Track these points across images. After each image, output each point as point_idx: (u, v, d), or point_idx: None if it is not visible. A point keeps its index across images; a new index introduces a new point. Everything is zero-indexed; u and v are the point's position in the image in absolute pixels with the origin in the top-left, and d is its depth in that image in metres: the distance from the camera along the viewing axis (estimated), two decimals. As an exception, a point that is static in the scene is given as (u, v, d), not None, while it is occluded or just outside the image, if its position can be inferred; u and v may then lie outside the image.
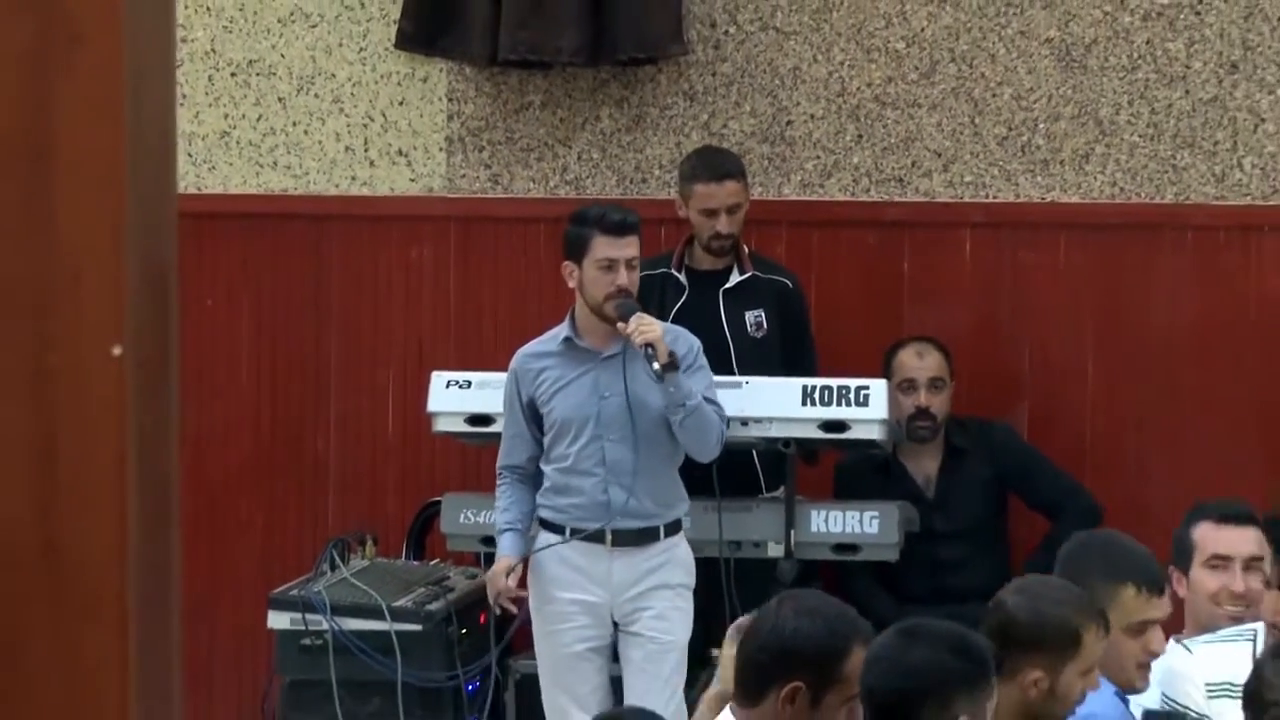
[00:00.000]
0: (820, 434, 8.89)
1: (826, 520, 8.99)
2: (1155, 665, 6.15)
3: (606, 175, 9.80)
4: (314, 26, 9.88)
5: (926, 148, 9.68)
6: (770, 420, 8.66)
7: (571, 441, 8.37)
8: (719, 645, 6.07)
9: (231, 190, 9.91)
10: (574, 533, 8.37)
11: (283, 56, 9.90)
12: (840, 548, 8.97)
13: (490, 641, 8.86)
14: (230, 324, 9.83)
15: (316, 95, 9.90)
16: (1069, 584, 6.00)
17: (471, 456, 9.31)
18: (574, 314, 8.43)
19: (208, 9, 9.89)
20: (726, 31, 9.75)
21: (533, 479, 8.47)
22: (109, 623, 2.75)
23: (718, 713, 5.91)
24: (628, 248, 8.32)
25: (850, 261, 9.69)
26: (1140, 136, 9.61)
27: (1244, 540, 6.79)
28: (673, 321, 8.66)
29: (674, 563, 8.35)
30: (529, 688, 8.96)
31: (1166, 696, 6.31)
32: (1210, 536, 6.89)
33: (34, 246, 2.72)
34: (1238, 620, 6.59)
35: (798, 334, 9.30)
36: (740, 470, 8.77)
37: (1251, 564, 6.71)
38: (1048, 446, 9.46)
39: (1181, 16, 9.56)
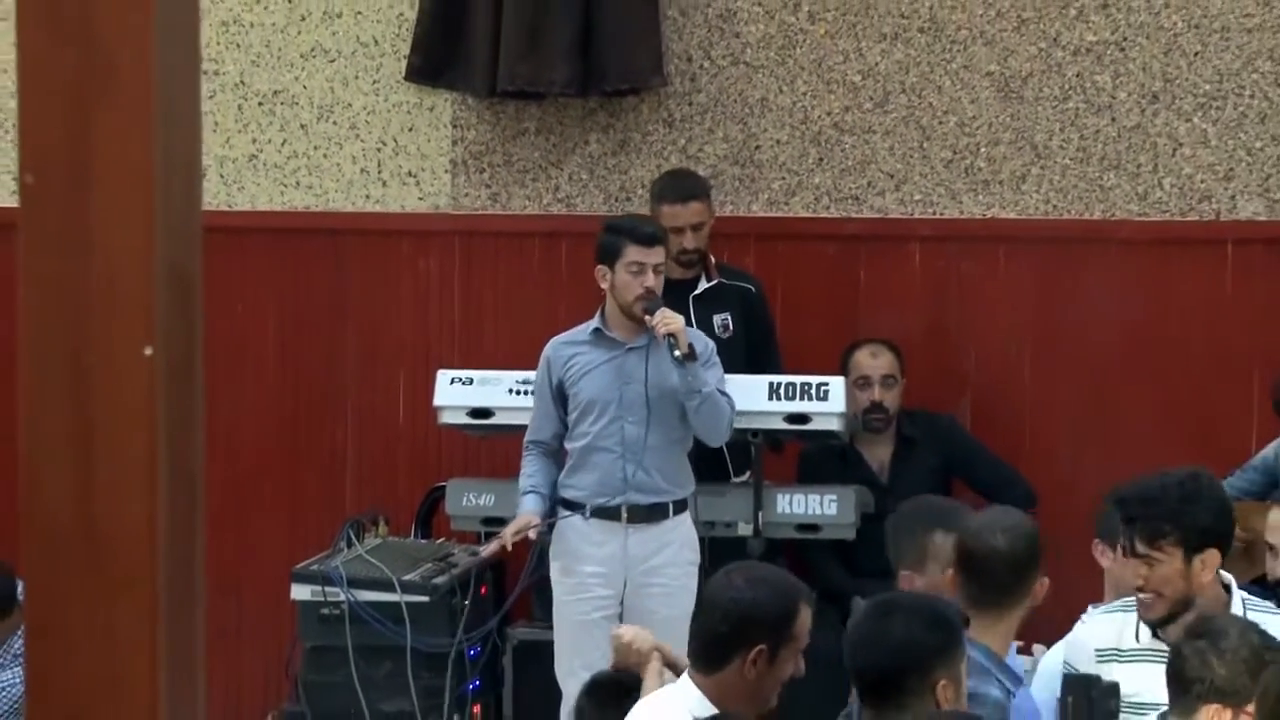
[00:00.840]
0: (785, 425, 8.90)
1: (790, 503, 8.99)
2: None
3: (594, 194, 9.80)
4: (333, 61, 9.87)
5: (880, 169, 9.68)
6: (741, 414, 8.65)
7: (594, 420, 8.40)
8: None
9: (259, 207, 9.91)
10: (592, 510, 8.37)
11: (305, 88, 9.89)
12: (803, 527, 8.97)
13: (490, 611, 8.86)
14: (258, 327, 9.82)
15: (335, 123, 9.89)
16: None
17: (473, 446, 9.31)
18: (604, 311, 8.49)
19: (238, 45, 9.87)
20: (701, 66, 9.74)
21: (555, 455, 8.51)
22: (140, 597, 2.74)
23: (658, 683, 5.91)
24: (655, 255, 8.39)
25: (812, 271, 9.68)
26: (1071, 159, 9.60)
27: None
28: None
29: (683, 540, 8.36)
30: (525, 653, 8.98)
31: (1067, 662, 6.28)
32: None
33: (73, 257, 2.71)
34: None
35: (763, 333, 9.30)
36: (710, 457, 8.76)
37: None
38: (988, 437, 9.46)
39: (1108, 52, 9.56)
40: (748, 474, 9.01)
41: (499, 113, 9.84)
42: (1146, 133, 9.57)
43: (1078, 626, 6.18)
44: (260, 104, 9.91)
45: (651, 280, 8.37)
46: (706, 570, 8.29)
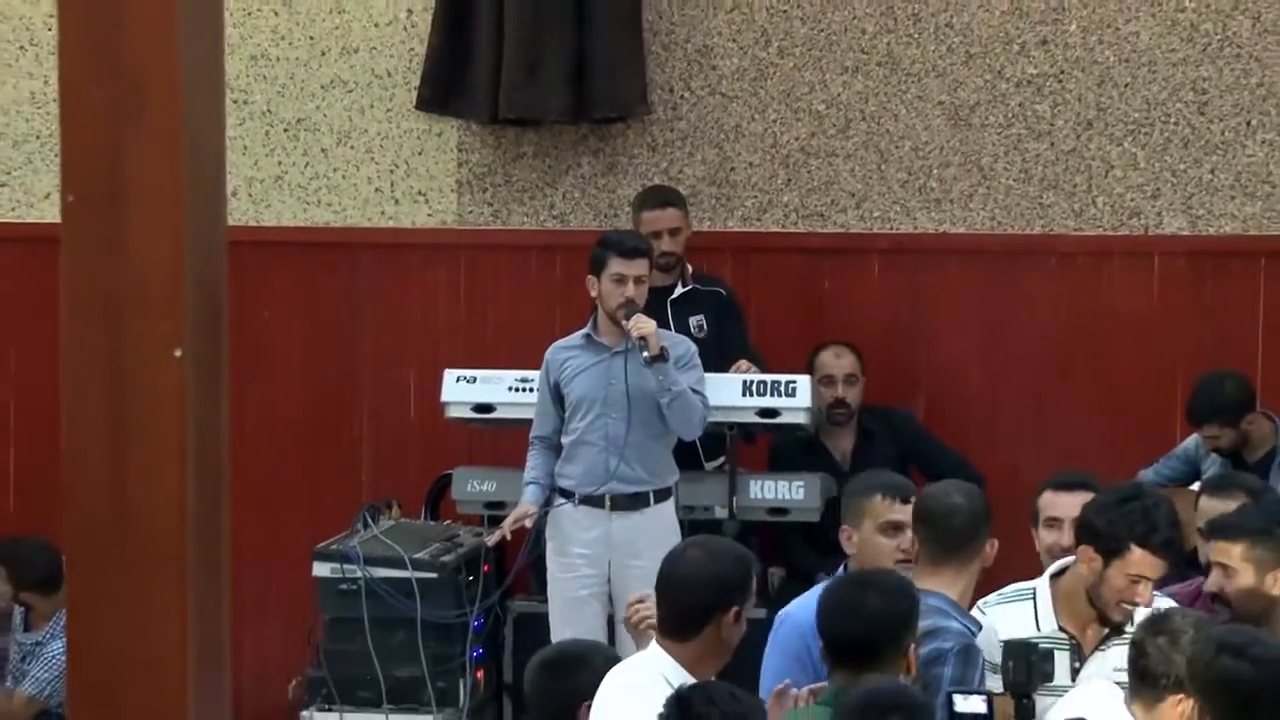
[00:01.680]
0: (757, 419, 8.89)
1: (762, 488, 8.97)
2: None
3: (586, 211, 9.79)
4: (350, 91, 9.86)
5: (842, 189, 9.67)
6: (716, 408, 8.65)
7: (583, 417, 8.41)
8: None
9: (284, 223, 9.89)
10: (581, 498, 8.37)
11: (325, 115, 9.88)
12: (773, 510, 8.96)
13: (493, 587, 8.85)
14: (283, 332, 9.81)
15: (352, 147, 9.88)
16: None
17: (476, 437, 9.29)
18: (594, 318, 8.48)
19: (264, 77, 9.86)
20: (682, 96, 9.73)
21: (555, 449, 8.50)
22: (170, 573, 2.74)
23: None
24: (636, 267, 8.39)
25: (782, 280, 9.67)
26: (1014, 180, 9.60)
27: (1074, 504, 6.58)
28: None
29: (663, 526, 8.34)
30: (524, 624, 8.96)
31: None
32: (1048, 501, 6.81)
33: (109, 268, 2.72)
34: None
35: (738, 332, 9.28)
36: (683, 447, 8.75)
37: None
38: (940, 429, 9.45)
39: (1047, 84, 9.56)
40: (721, 460, 9.02)
41: (500, 138, 9.83)
42: (1082, 156, 9.57)
43: (978, 616, 6.08)
44: (285, 130, 9.89)
45: (632, 290, 8.36)
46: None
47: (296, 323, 9.84)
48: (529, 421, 8.62)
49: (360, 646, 8.56)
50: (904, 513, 6.16)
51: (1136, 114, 9.54)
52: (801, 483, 8.97)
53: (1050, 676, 4.98)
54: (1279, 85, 9.48)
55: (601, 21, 9.55)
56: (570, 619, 8.33)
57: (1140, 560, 5.87)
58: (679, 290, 9.20)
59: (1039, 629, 5.99)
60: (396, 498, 9.28)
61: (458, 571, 8.75)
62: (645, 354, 8.22)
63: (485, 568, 8.86)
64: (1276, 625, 5.94)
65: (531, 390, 8.71)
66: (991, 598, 6.18)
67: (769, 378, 8.88)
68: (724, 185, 9.71)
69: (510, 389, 8.89)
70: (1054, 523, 6.72)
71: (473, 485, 9.08)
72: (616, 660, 5.83)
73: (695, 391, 8.37)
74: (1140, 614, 5.81)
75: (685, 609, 5.59)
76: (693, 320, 9.13)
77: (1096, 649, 5.93)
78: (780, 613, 6.20)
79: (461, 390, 8.97)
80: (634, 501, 8.41)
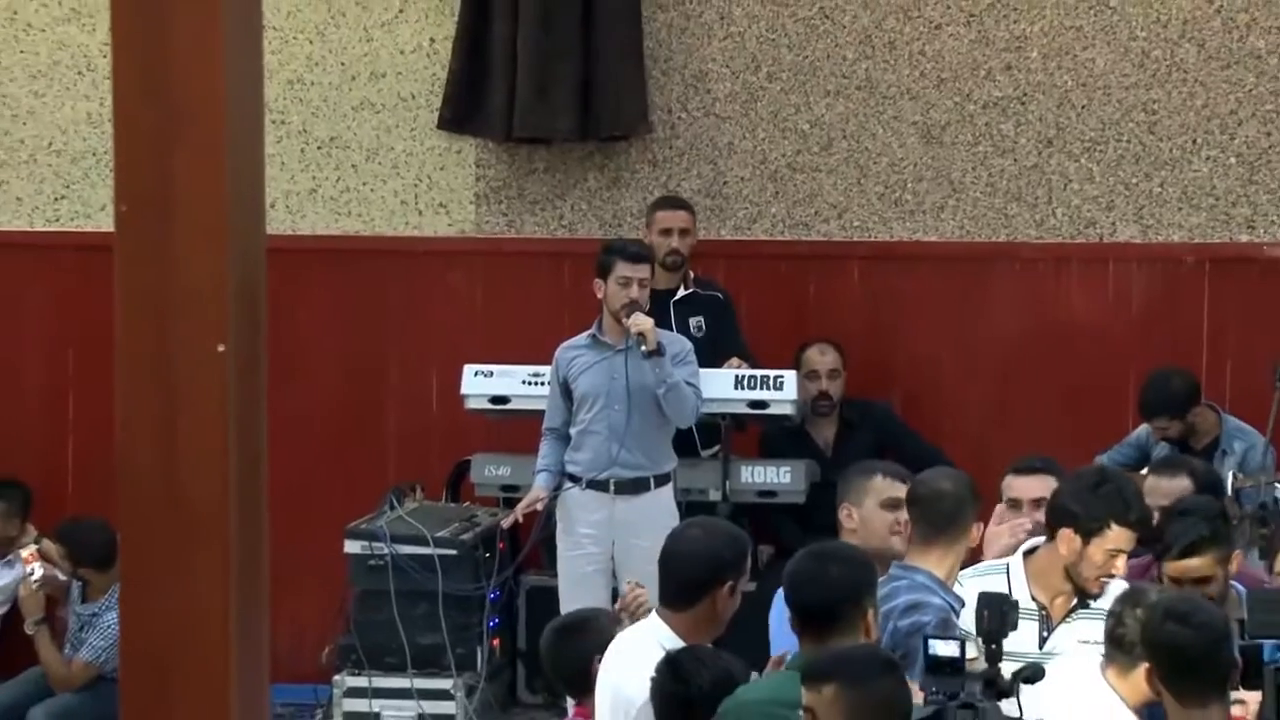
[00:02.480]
0: (748, 410, 8.90)
1: (753, 473, 8.98)
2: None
3: (592, 221, 9.78)
4: (378, 113, 9.86)
5: (825, 201, 9.67)
6: (711, 400, 8.65)
7: (589, 409, 8.40)
8: None
9: (318, 232, 9.88)
10: (587, 483, 8.36)
11: (355, 134, 9.87)
12: (763, 493, 8.96)
13: (507, 562, 8.85)
14: (317, 330, 9.80)
15: (380, 163, 9.87)
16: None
17: (493, 427, 9.28)
18: (600, 319, 8.47)
19: (300, 100, 9.85)
20: (679, 116, 9.73)
21: (564, 438, 8.48)
22: (215, 548, 2.74)
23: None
24: (640, 271, 8.40)
25: (770, 284, 9.67)
26: (981, 193, 9.59)
27: (1032, 486, 6.60)
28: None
29: (662, 508, 8.33)
30: (535, 596, 8.97)
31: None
32: (1009, 483, 6.78)
33: (159, 272, 2.72)
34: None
35: (732, 332, 9.28)
36: (682, 436, 8.75)
37: (1040, 503, 6.40)
38: (914, 420, 9.45)
39: (1011, 106, 9.56)
40: (716, 448, 9.01)
41: (514, 155, 9.82)
42: (1042, 171, 9.57)
43: (956, 588, 6.07)
44: (319, 148, 9.89)
45: (636, 292, 8.36)
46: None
47: (329, 323, 9.83)
48: (541, 412, 8.61)
49: (387, 616, 8.56)
50: (903, 490, 6.18)
51: (1092, 133, 9.53)
52: (788, 468, 8.98)
53: (1016, 626, 4.95)
54: (1222, 107, 9.47)
55: (606, 49, 9.55)
56: (577, 592, 8.33)
57: (1118, 536, 5.85)
58: (681, 293, 9.21)
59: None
60: (420, 481, 9.28)
61: (475, 549, 8.75)
62: (643, 348, 8.25)
63: (501, 545, 8.86)
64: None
65: (542, 384, 8.72)
66: (968, 571, 6.15)
67: (759, 373, 8.89)
68: (718, 197, 9.70)
69: (523, 382, 8.90)
70: (1014, 504, 6.71)
71: (489, 470, 9.08)
72: (619, 623, 5.86)
73: (689, 384, 8.38)
74: (1114, 588, 5.81)
75: (683, 582, 5.59)
76: (693, 321, 9.13)
77: (1063, 620, 5.92)
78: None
79: (479, 384, 8.98)
80: (635, 486, 8.41)
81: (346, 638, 8.67)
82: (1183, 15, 9.48)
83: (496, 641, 8.84)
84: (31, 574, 9.21)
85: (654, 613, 5.67)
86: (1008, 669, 4.91)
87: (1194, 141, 9.49)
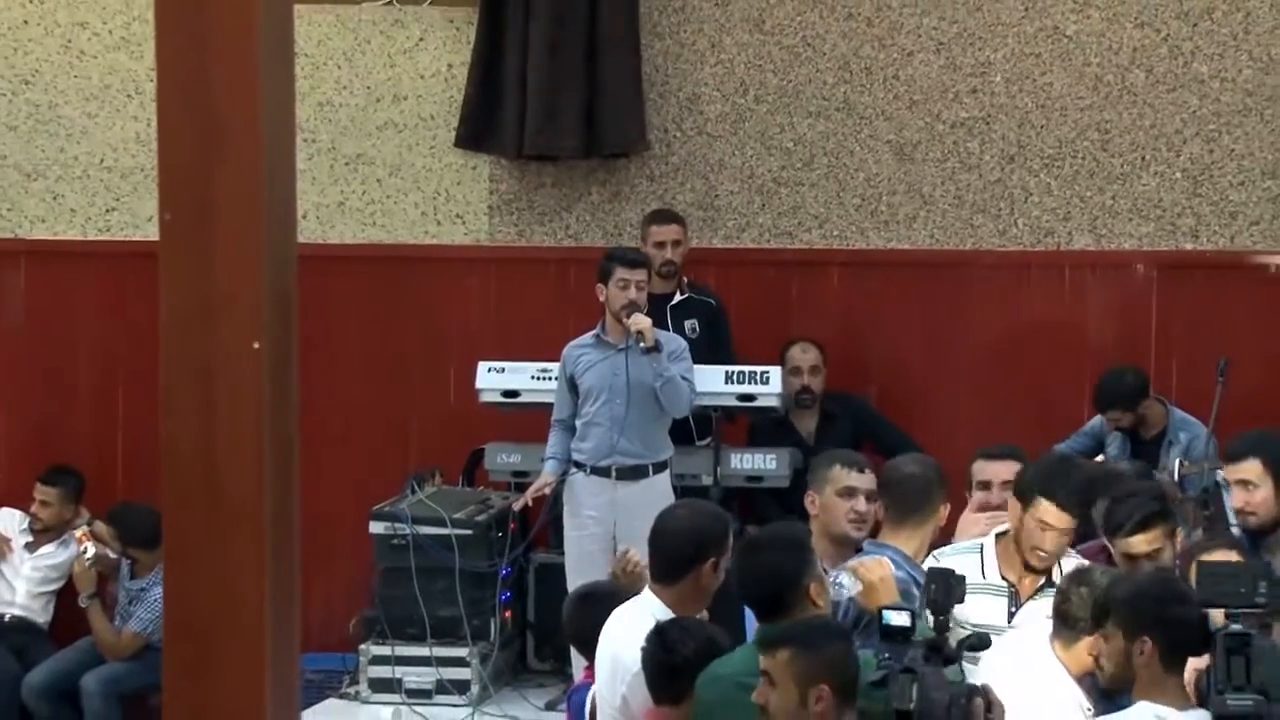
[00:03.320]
0: (737, 403, 8.87)
1: (741, 460, 8.96)
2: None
3: (595, 232, 9.77)
4: (400, 132, 9.85)
5: (808, 213, 9.66)
6: (704, 393, 8.64)
7: (593, 403, 8.38)
8: None
9: (345, 241, 9.87)
10: (591, 469, 8.35)
11: (380, 151, 9.86)
12: (750, 478, 8.94)
13: (518, 542, 8.83)
14: (344, 331, 9.78)
15: (402, 178, 9.87)
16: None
17: (505, 418, 9.26)
18: (603, 321, 8.45)
19: (329, 120, 9.84)
20: (675, 136, 9.72)
21: (571, 429, 8.45)
22: (250, 528, 2.73)
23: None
24: (637, 274, 8.37)
25: (758, 288, 9.66)
26: (949, 205, 9.58)
27: (1000, 470, 6.56)
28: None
29: (660, 493, 8.30)
30: (544, 573, 8.94)
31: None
32: (980, 467, 6.75)
33: (200, 277, 2.71)
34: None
35: (723, 338, 9.27)
36: (679, 427, 8.75)
37: (1008, 484, 6.32)
38: (889, 412, 9.43)
39: (976, 125, 9.55)
40: (709, 440, 9.00)
41: (524, 170, 9.81)
42: (1005, 185, 9.56)
43: (929, 561, 6.04)
44: (346, 164, 9.88)
45: (634, 294, 8.35)
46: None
47: (357, 324, 9.82)
48: (548, 405, 8.59)
49: (408, 591, 8.53)
50: (858, 480, 6.12)
51: (1050, 150, 9.52)
52: (774, 456, 8.96)
53: (962, 599, 4.93)
54: (1168, 126, 9.46)
55: (608, 75, 9.54)
56: (582, 569, 8.30)
57: (1046, 510, 5.82)
58: (677, 298, 9.20)
59: (984, 577, 5.95)
60: (439, 468, 9.26)
61: (489, 529, 8.73)
62: (641, 345, 8.24)
63: (512, 526, 8.84)
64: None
65: (550, 379, 8.70)
66: (946, 550, 6.13)
67: (746, 369, 8.87)
68: (709, 209, 9.69)
69: (533, 378, 8.88)
70: (984, 485, 6.69)
71: (501, 458, 9.06)
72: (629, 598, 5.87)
73: (684, 379, 8.36)
74: (1069, 565, 5.80)
75: (671, 558, 5.57)
76: (687, 324, 9.12)
77: (1030, 597, 5.90)
78: None
79: (492, 379, 8.96)
80: (635, 472, 8.38)
81: (372, 610, 8.65)
82: (1133, 43, 9.48)
83: (508, 614, 8.81)
84: (85, 552, 9.22)
85: (647, 587, 5.67)
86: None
87: (1143, 158, 9.49)
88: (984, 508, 6.53)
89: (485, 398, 8.98)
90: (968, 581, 5.55)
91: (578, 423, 8.45)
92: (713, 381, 8.71)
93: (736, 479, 8.92)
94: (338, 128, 9.84)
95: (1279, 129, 9.40)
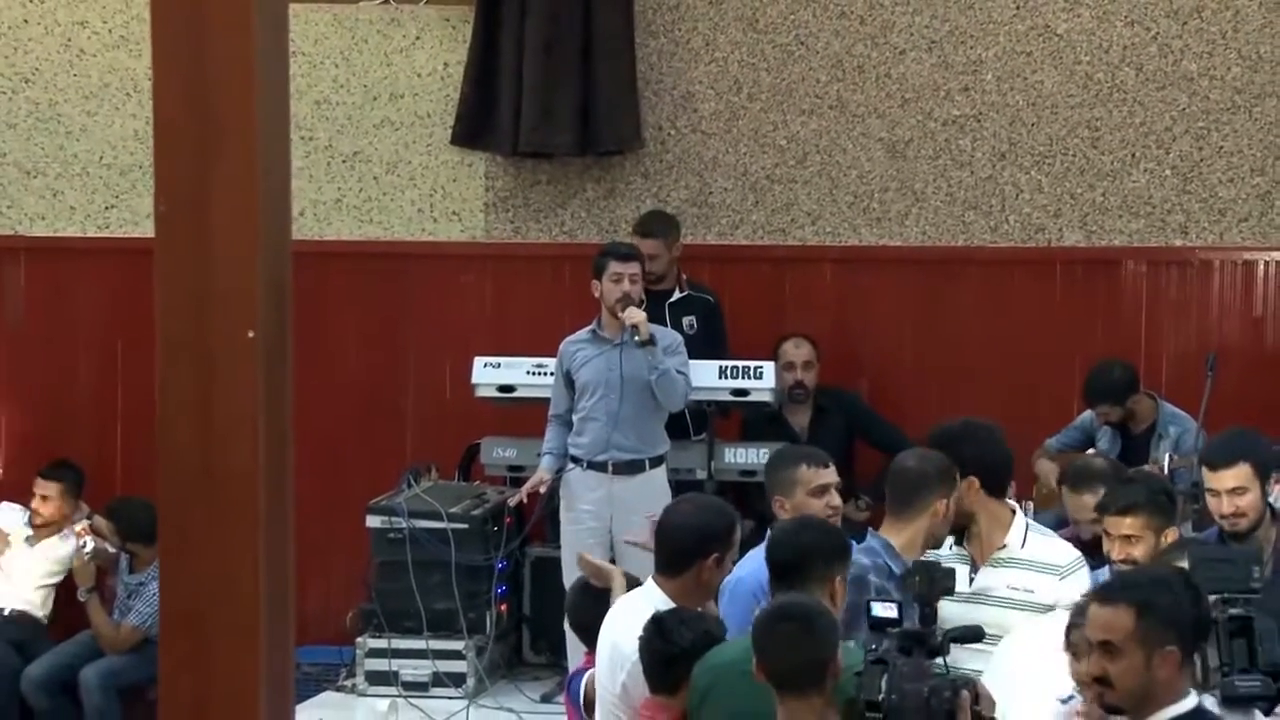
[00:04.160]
0: (731, 398, 8.88)
1: (735, 454, 8.96)
2: None
3: (590, 228, 9.78)
4: (397, 129, 9.85)
5: (801, 210, 9.67)
6: (698, 388, 8.65)
7: (589, 398, 8.37)
8: None
9: (343, 238, 9.88)
10: (587, 464, 8.36)
11: (376, 149, 9.87)
12: (744, 472, 8.92)
13: (514, 536, 8.84)
14: (343, 327, 9.79)
15: (399, 175, 9.87)
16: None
17: (501, 413, 9.27)
18: (600, 316, 8.45)
19: (326, 118, 9.85)
20: (669, 133, 9.73)
21: (568, 424, 8.45)
22: (245, 518, 2.74)
23: (623, 586, 5.93)
24: (630, 268, 8.37)
25: (751, 284, 9.67)
26: (941, 202, 9.59)
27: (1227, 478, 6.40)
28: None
29: (656, 487, 8.31)
30: (539, 566, 8.95)
31: None
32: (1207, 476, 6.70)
33: (196, 266, 2.71)
34: None
35: (719, 334, 9.28)
36: (676, 422, 8.76)
37: (1235, 493, 6.29)
38: (881, 407, 9.44)
39: (968, 123, 9.56)
40: (702, 434, 9.00)
41: (519, 167, 9.82)
42: (997, 182, 9.57)
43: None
44: (343, 161, 9.89)
45: (628, 287, 8.34)
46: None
47: (354, 320, 9.83)
48: (545, 399, 8.60)
49: (405, 584, 8.54)
50: (828, 475, 6.08)
51: (1041, 148, 9.54)
52: (767, 450, 8.82)
53: (951, 591, 4.93)
54: (1158, 124, 9.48)
55: (603, 73, 9.54)
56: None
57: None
58: (676, 295, 9.20)
59: (951, 549, 6.01)
60: (435, 462, 9.27)
61: (485, 523, 8.74)
62: (636, 338, 8.23)
63: (508, 520, 8.85)
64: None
65: (545, 374, 8.71)
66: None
67: (740, 363, 8.88)
68: (703, 206, 9.70)
69: (528, 373, 8.89)
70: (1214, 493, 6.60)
71: (497, 452, 9.07)
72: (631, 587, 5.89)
73: (679, 372, 8.36)
74: (1016, 538, 5.85)
75: (675, 552, 5.59)
76: (685, 320, 9.12)
77: (986, 565, 5.94)
78: (729, 578, 6.04)
79: (488, 374, 8.97)
80: (631, 467, 8.39)
81: (368, 604, 8.66)
82: (1123, 42, 9.49)
83: (504, 607, 8.82)
84: (84, 546, 9.22)
85: (650, 579, 5.68)
86: (949, 611, 4.91)
87: (1133, 155, 9.50)
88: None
89: (481, 393, 8.99)
90: (932, 554, 5.58)
91: (574, 418, 8.45)
92: (706, 376, 8.72)
93: (730, 473, 8.91)
94: (335, 125, 9.85)
95: (1267, 126, 9.42)
